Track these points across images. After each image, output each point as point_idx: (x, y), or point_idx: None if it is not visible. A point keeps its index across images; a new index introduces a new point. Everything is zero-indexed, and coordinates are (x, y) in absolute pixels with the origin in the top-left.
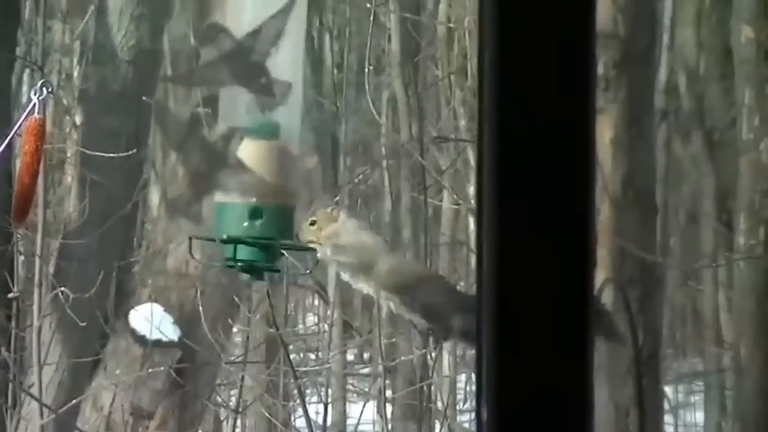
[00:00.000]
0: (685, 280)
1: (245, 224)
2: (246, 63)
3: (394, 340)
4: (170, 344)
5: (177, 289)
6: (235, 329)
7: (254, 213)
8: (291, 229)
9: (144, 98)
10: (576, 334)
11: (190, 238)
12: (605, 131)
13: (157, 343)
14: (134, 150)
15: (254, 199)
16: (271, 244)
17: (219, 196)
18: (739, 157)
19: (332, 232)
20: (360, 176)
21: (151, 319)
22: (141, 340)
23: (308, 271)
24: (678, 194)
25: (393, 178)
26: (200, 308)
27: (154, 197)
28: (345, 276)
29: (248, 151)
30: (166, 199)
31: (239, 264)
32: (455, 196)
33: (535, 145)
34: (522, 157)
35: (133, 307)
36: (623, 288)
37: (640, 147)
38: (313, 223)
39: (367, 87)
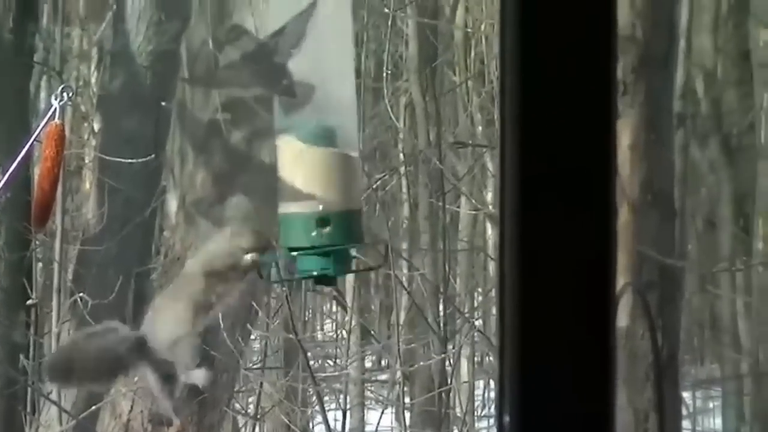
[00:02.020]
0: (703, 285)
1: (313, 233)
2: (268, 64)
3: (412, 345)
4: None
5: None
6: (253, 335)
7: (322, 221)
8: (359, 232)
9: (163, 103)
10: (598, 340)
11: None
12: (623, 136)
13: None
14: (152, 155)
15: (320, 207)
16: (340, 249)
17: (283, 207)
18: (758, 162)
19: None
20: (378, 182)
21: None
22: None
23: (379, 266)
24: (696, 199)
25: (411, 184)
26: (219, 314)
27: (172, 204)
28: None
29: (308, 158)
30: (185, 206)
31: (314, 275)
32: (473, 202)
33: (556, 151)
34: (544, 162)
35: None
36: (642, 292)
37: (658, 151)
38: None
39: (385, 92)
